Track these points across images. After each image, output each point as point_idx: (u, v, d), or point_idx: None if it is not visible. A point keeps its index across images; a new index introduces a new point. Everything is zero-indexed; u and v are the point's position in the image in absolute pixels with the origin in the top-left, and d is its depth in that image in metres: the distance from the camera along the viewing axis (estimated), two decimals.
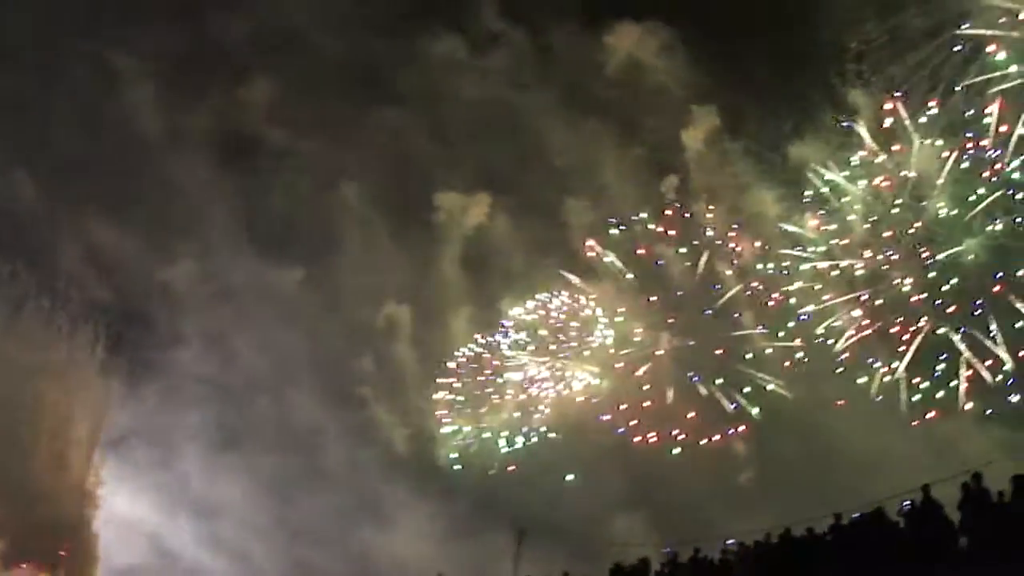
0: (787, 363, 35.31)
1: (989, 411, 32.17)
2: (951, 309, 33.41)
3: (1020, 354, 32.18)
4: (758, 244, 35.54)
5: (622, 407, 35.57)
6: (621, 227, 36.66)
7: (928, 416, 32.82)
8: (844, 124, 33.64)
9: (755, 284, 35.89)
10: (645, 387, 36.06)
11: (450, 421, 37.70)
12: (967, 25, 31.31)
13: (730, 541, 27.28)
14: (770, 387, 35.44)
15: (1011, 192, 33.07)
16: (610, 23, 36.31)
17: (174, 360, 39.40)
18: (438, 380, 37.88)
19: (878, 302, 34.34)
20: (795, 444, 34.93)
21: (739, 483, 36.15)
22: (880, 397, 33.21)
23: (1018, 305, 32.09)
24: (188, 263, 39.68)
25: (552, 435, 36.85)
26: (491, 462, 37.31)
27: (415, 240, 38.72)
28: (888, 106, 33.59)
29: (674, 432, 35.24)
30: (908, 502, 17.73)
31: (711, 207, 36.37)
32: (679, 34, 35.73)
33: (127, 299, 39.28)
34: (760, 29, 34.09)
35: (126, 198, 38.70)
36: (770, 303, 35.74)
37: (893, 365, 33.70)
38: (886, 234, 34.08)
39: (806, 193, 34.57)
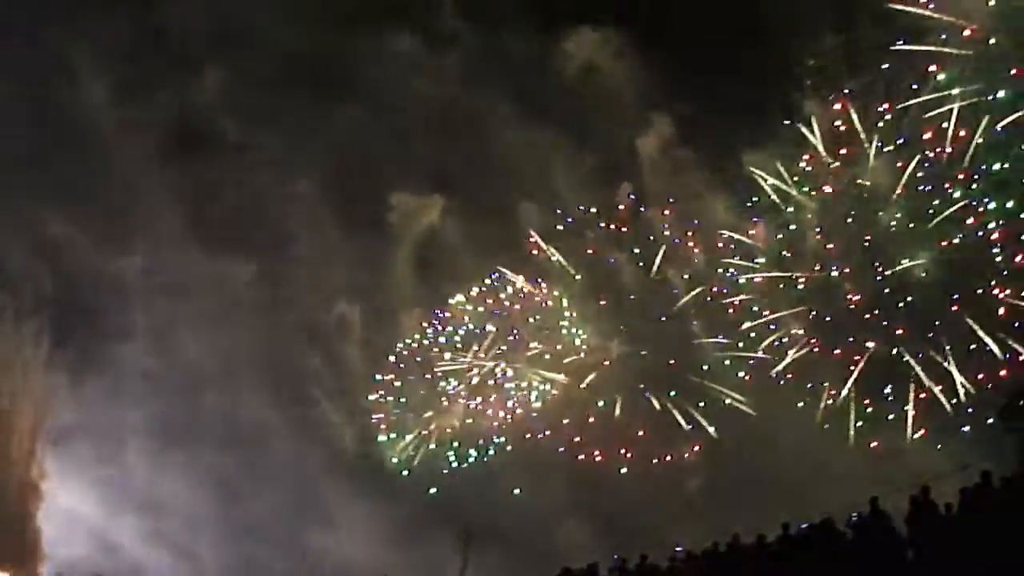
0: (746, 376, 35.02)
1: (940, 445, 31.59)
2: (902, 328, 33.22)
3: (979, 376, 31.96)
4: (709, 253, 35.12)
5: (564, 421, 35.13)
6: (571, 228, 36.17)
7: (873, 445, 32.60)
8: (788, 122, 33.21)
9: (708, 293, 35.47)
10: (595, 399, 35.65)
11: (387, 427, 37.21)
12: (901, 42, 31.10)
13: (678, 548, 27.33)
14: (727, 400, 35.19)
15: (973, 204, 32.82)
16: (566, 27, 35.95)
17: (121, 354, 38.85)
18: (376, 380, 37.38)
19: (827, 318, 34.06)
20: (745, 453, 34.79)
21: (688, 491, 35.98)
22: (827, 426, 32.79)
23: (973, 325, 31.85)
24: (137, 257, 39.14)
25: (497, 441, 36.44)
26: (438, 469, 36.83)
27: (367, 239, 38.34)
28: (840, 118, 33.20)
29: (622, 451, 34.86)
30: (856, 514, 17.97)
31: (665, 212, 35.99)
32: (635, 41, 35.42)
33: (74, 292, 38.66)
34: (717, 38, 33.89)
35: (75, 190, 38.02)
36: (729, 311, 35.42)
37: (841, 386, 33.42)
38: (834, 246, 33.75)
39: (756, 201, 34.25)
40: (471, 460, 37.03)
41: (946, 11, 31.67)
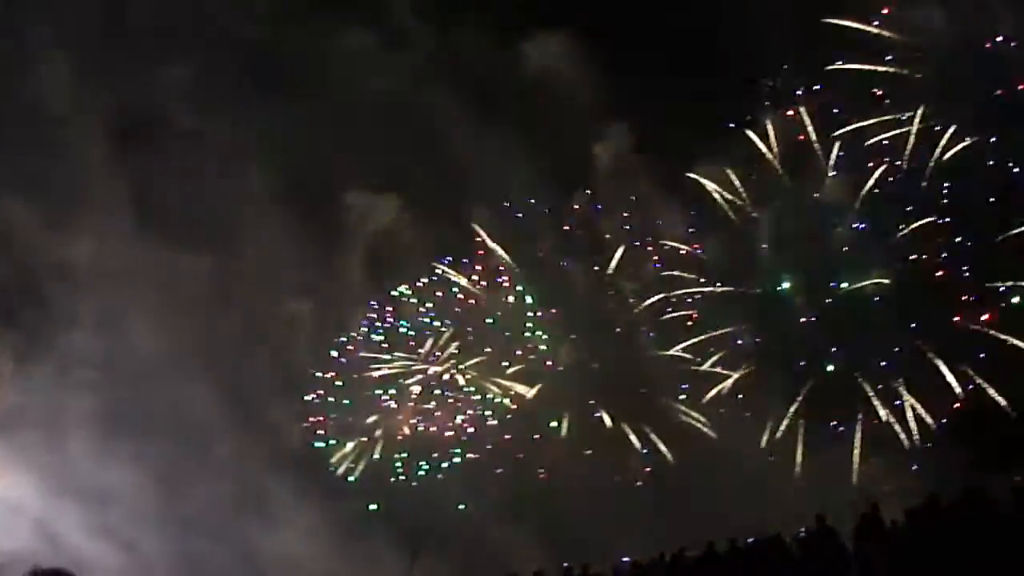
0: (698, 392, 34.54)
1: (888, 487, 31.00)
2: (854, 349, 32.93)
3: (934, 406, 31.81)
4: (661, 263, 34.79)
5: (506, 436, 34.75)
6: (524, 232, 35.74)
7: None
8: (742, 132, 32.81)
9: (660, 305, 35.13)
10: (543, 415, 35.35)
11: (326, 432, 36.79)
12: (839, 62, 30.77)
13: (624, 560, 27.20)
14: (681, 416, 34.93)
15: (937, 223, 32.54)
16: (525, 30, 35.56)
17: (67, 341, 38.27)
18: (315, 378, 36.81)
19: (776, 335, 33.79)
20: (695, 466, 34.58)
21: (635, 502, 35.72)
22: (771, 458, 32.40)
23: (933, 358, 31.49)
24: (87, 243, 38.32)
25: (453, 452, 36.02)
26: (384, 480, 36.45)
27: (320, 236, 37.80)
28: (796, 133, 32.87)
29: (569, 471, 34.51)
30: (803, 529, 18.46)
31: (619, 220, 35.59)
32: (594, 47, 34.97)
33: (21, 276, 38.08)
34: (677, 48, 33.55)
35: (26, 174, 37.46)
36: (684, 323, 35.07)
37: (788, 406, 33.14)
38: (786, 261, 33.44)
39: (708, 212, 33.94)
40: (421, 474, 36.50)
41: (905, 30, 31.31)
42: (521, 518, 35.74)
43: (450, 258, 36.33)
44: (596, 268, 35.90)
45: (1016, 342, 31.04)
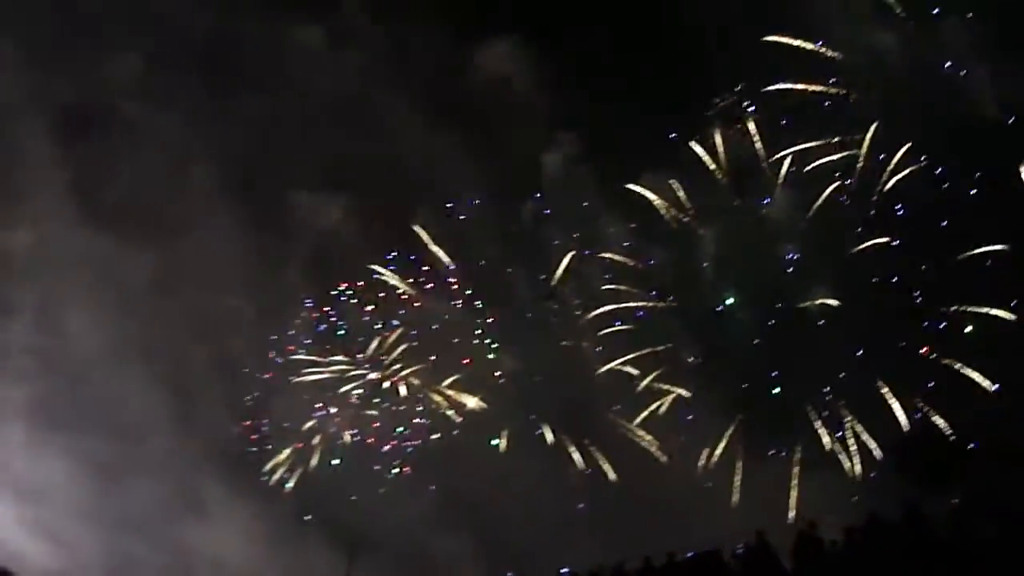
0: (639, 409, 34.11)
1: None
2: (799, 371, 32.63)
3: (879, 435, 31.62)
4: (605, 276, 34.44)
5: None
6: (470, 238, 35.28)
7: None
8: (689, 146, 32.49)
9: (604, 318, 34.75)
10: (483, 429, 34.95)
11: (259, 437, 36.21)
12: (779, 84, 30.51)
13: (564, 570, 26.92)
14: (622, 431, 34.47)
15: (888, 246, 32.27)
16: (478, 35, 35.16)
17: (3, 330, 37.61)
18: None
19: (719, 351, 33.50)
20: (635, 480, 34.18)
21: (574, 513, 35.37)
22: (709, 485, 32.09)
23: (882, 388, 31.23)
24: (27, 231, 37.73)
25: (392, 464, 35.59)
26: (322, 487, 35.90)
27: (265, 233, 37.24)
28: (745, 150, 32.57)
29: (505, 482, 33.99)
30: (742, 545, 18.24)
31: (565, 230, 35.21)
32: (545, 56, 34.64)
33: None
34: (630, 60, 33.12)
35: None
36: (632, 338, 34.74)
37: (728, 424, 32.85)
38: (730, 277, 33.14)
39: (653, 225, 33.57)
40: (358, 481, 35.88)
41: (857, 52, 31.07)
42: (459, 527, 35.34)
43: (394, 261, 35.51)
44: (542, 277, 35.36)
45: (968, 370, 30.58)
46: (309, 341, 36.35)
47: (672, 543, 19.82)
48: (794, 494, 32.44)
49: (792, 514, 31.85)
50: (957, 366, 31.15)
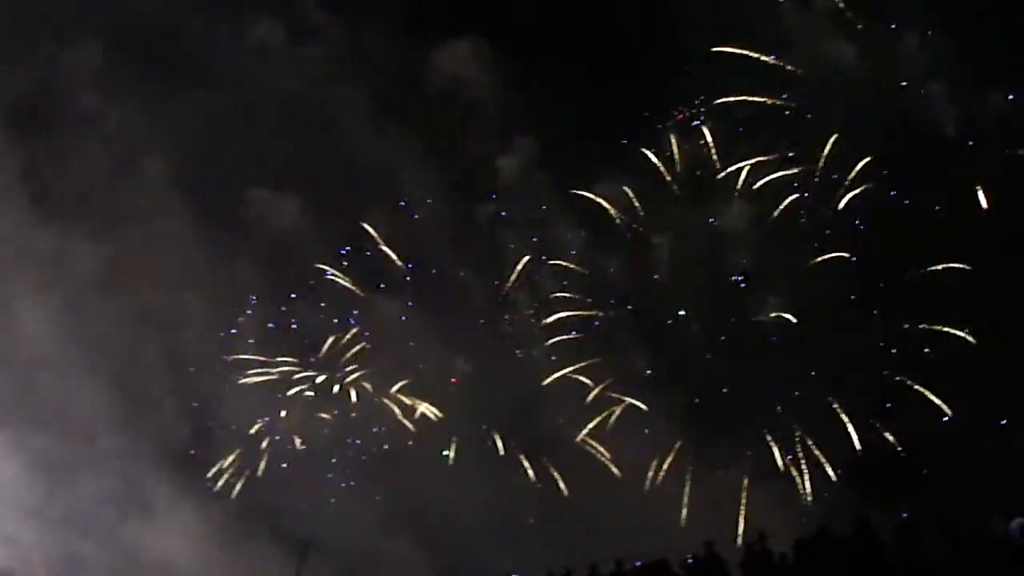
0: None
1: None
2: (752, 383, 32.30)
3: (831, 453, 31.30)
4: (557, 281, 34.11)
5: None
6: (424, 241, 34.84)
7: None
8: (644, 153, 32.17)
9: (555, 326, 34.40)
10: (432, 438, 34.55)
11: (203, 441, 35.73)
12: (735, 96, 30.16)
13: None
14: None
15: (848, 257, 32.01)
16: (436, 35, 34.68)
17: None
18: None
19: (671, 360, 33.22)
20: (585, 488, 33.83)
21: (523, 520, 35.10)
22: (658, 497, 32.04)
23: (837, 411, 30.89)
24: None
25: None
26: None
27: (219, 230, 36.70)
28: (701, 159, 32.26)
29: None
30: (691, 556, 18.53)
31: (520, 234, 34.86)
32: (504, 59, 34.17)
33: None
34: (587, 65, 32.67)
35: None
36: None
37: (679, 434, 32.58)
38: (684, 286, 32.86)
39: (607, 232, 33.29)
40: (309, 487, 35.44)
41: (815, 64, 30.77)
42: (409, 531, 35.06)
43: (347, 259, 35.06)
44: (496, 282, 35.01)
45: (923, 389, 30.41)
46: (254, 341, 35.74)
47: (622, 553, 19.82)
48: (744, 508, 32.14)
49: (742, 527, 31.61)
50: (913, 384, 30.83)
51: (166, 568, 36.38)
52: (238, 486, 34.97)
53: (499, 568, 30.44)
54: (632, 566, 19.16)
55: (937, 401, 30.60)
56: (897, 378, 31.03)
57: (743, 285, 32.21)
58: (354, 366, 35.18)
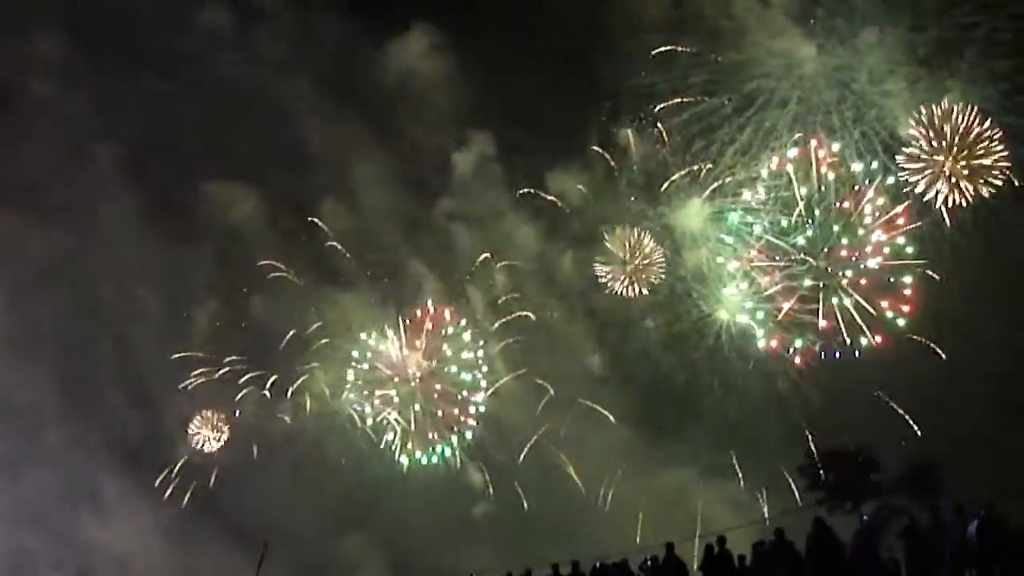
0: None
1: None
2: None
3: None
4: (513, 278, 33.68)
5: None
6: (378, 236, 34.37)
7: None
8: (596, 149, 31.68)
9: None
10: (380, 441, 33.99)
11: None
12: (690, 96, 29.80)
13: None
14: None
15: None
16: (392, 25, 34.08)
17: None
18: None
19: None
20: (536, 483, 33.37)
21: (475, 517, 34.76)
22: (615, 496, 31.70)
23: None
24: None
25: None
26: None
27: (171, 222, 36.25)
28: (654, 156, 31.86)
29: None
30: (651, 557, 18.92)
31: (474, 229, 34.37)
32: (460, 54, 33.74)
33: None
34: (543, 61, 32.36)
35: None
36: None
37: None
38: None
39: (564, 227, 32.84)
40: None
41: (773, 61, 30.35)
42: (363, 530, 34.69)
43: (298, 253, 34.51)
44: (454, 277, 34.57)
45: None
46: (205, 338, 35.11)
47: (580, 554, 19.96)
48: (701, 508, 31.95)
49: (699, 529, 31.39)
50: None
51: (121, 564, 35.93)
52: (188, 492, 34.23)
53: (458, 568, 30.08)
54: (592, 567, 19.35)
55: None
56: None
57: (696, 282, 31.78)
58: (309, 364, 34.46)
